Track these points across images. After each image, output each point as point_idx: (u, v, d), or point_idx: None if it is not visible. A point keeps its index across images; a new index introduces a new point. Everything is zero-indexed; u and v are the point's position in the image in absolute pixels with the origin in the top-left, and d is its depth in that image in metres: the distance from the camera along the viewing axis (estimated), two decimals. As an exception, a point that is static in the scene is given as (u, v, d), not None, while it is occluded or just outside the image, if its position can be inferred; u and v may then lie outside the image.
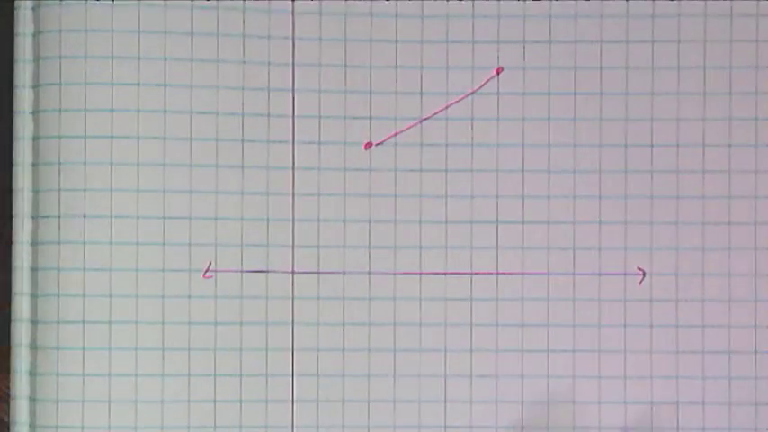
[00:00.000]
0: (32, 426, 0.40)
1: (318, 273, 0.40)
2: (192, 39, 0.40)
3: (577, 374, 0.40)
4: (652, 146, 0.41)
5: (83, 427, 0.40)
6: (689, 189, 0.41)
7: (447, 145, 0.41)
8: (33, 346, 0.40)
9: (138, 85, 0.40)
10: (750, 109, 0.41)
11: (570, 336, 0.40)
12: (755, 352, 0.40)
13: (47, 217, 0.40)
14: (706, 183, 0.41)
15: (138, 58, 0.40)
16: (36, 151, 0.40)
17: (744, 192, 0.41)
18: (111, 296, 0.40)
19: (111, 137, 0.40)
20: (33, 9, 0.40)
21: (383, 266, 0.41)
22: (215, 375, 0.40)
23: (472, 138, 0.41)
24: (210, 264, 0.40)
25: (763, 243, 0.40)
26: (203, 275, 0.40)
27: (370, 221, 0.40)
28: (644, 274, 0.40)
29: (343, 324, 0.40)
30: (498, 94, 0.41)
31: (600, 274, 0.41)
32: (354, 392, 0.40)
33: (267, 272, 0.40)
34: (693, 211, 0.41)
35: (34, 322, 0.40)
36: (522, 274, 0.41)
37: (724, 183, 0.41)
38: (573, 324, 0.41)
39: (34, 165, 0.40)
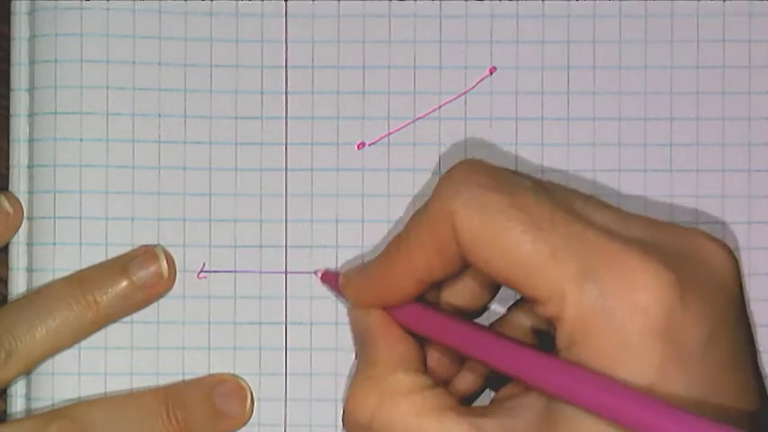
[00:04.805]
0: (29, 424, 0.40)
1: (311, 273, 0.41)
2: (185, 43, 0.40)
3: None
4: (645, 145, 0.41)
5: (78, 426, 0.40)
6: (682, 188, 0.41)
7: (440, 145, 0.41)
8: (30, 346, 0.41)
9: (134, 89, 0.40)
10: (743, 108, 0.40)
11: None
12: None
13: (42, 218, 0.40)
14: (699, 181, 0.41)
15: (134, 63, 0.40)
16: (31, 153, 0.40)
17: (737, 191, 0.41)
18: (106, 296, 0.40)
19: (107, 140, 0.40)
20: (29, 13, 0.41)
21: (376, 266, 0.41)
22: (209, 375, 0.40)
23: (465, 137, 0.41)
24: (204, 264, 0.40)
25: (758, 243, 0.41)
26: (197, 276, 0.40)
27: (363, 221, 0.41)
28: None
29: (336, 323, 0.40)
30: (491, 93, 0.41)
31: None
32: (347, 391, 0.40)
33: (261, 272, 0.40)
34: (687, 209, 0.41)
35: (31, 322, 0.40)
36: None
37: (718, 181, 0.41)
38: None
39: (30, 167, 0.40)
